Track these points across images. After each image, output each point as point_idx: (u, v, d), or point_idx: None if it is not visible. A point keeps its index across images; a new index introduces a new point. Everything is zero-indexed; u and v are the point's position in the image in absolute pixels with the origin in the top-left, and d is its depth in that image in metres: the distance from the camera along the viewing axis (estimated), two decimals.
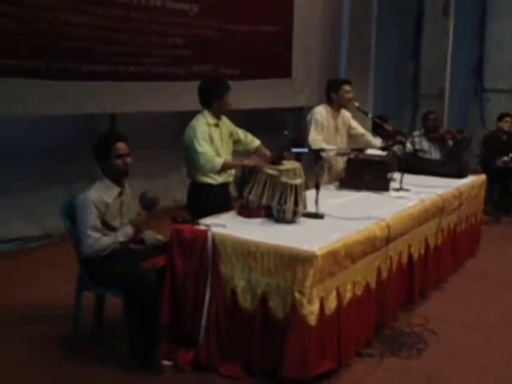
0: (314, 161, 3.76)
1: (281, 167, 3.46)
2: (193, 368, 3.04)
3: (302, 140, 5.22)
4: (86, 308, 3.33)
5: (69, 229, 3.20)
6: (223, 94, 3.78)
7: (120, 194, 3.21)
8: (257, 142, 4.02)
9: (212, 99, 3.77)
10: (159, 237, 3.34)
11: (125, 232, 3.11)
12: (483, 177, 5.32)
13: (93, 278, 3.14)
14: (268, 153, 3.84)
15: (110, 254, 3.08)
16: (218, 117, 3.82)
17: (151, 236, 3.32)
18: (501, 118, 7.11)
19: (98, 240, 3.04)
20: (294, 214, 3.28)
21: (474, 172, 5.48)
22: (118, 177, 3.18)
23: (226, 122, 3.92)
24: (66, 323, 3.34)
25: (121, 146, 3.12)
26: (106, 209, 3.10)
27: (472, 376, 3.16)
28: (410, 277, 3.86)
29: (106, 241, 3.06)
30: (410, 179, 4.46)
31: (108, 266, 3.07)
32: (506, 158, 6.80)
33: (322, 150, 3.97)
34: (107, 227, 3.12)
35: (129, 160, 3.16)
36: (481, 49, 8.42)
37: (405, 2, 8.77)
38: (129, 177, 3.27)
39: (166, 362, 3.07)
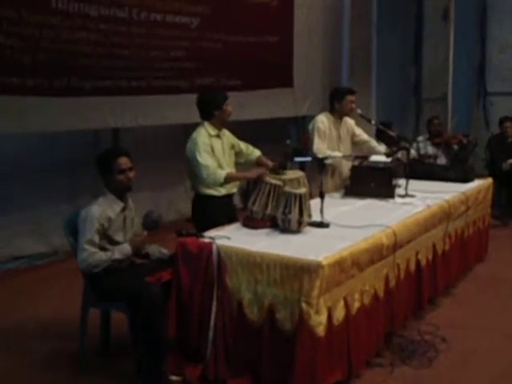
0: (318, 169, 3.74)
1: (284, 177, 3.45)
2: (201, 383, 3.00)
3: (305, 149, 5.20)
4: (92, 324, 3.31)
5: (73, 245, 3.19)
6: (222, 104, 3.79)
7: (123, 208, 3.20)
8: (257, 153, 4.02)
9: (211, 110, 3.77)
10: (164, 250, 3.32)
11: (122, 250, 3.09)
12: (490, 180, 5.27)
13: (98, 294, 3.12)
14: (269, 162, 3.83)
15: (115, 268, 3.06)
16: (218, 128, 3.81)
17: (156, 250, 3.31)
18: (503, 122, 7.07)
19: (92, 254, 3.01)
20: (299, 223, 3.25)
21: (481, 176, 5.44)
22: (121, 192, 3.17)
23: (226, 133, 3.92)
24: (73, 340, 3.32)
25: (123, 161, 3.12)
26: (110, 224, 3.09)
27: None
28: (419, 284, 3.81)
29: (101, 256, 3.03)
30: (415, 185, 4.43)
31: (113, 282, 3.05)
32: (511, 161, 6.75)
33: (326, 157, 3.94)
34: (111, 242, 3.10)
35: (132, 174, 3.15)
36: (482, 52, 8.40)
37: (404, 7, 8.77)
38: (133, 190, 3.26)
39: (174, 378, 3.03)
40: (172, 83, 5.85)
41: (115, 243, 3.12)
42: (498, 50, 8.16)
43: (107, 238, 3.10)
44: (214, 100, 3.80)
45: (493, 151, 7.05)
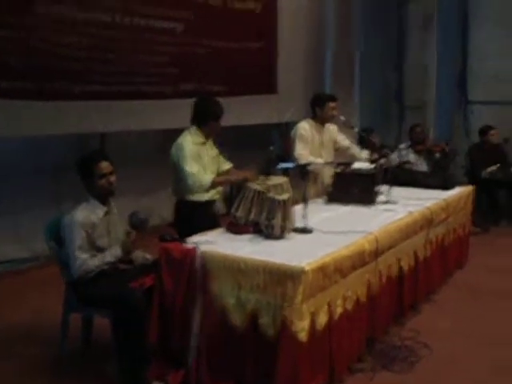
0: (301, 175, 3.76)
1: (268, 182, 3.46)
2: None
3: (288, 155, 5.23)
4: (74, 329, 3.29)
5: (54, 250, 3.17)
6: (217, 118, 3.80)
7: (106, 213, 3.19)
8: (228, 165, 4.02)
9: (208, 119, 3.77)
10: (148, 256, 3.32)
11: (113, 253, 3.09)
12: (470, 188, 5.35)
13: (80, 299, 3.11)
14: (238, 173, 3.84)
15: (98, 274, 3.05)
16: (206, 137, 3.82)
17: (140, 255, 3.30)
18: (484, 131, 7.17)
19: (86, 261, 3.01)
20: (283, 229, 3.27)
21: (461, 183, 5.51)
22: (103, 196, 3.16)
23: (211, 143, 3.92)
24: (55, 345, 3.31)
25: (103, 166, 3.11)
26: (93, 229, 3.08)
27: None
28: (400, 290, 3.85)
29: (95, 262, 3.03)
30: (397, 192, 4.47)
31: (95, 287, 3.04)
32: (491, 169, 6.86)
33: (309, 164, 3.97)
34: (95, 247, 3.09)
35: (113, 179, 3.14)
36: (464, 60, 8.51)
37: (387, 15, 8.87)
38: (117, 195, 3.25)
39: (156, 383, 3.02)
40: (157, 88, 5.85)
41: (99, 249, 3.10)
42: (479, 59, 8.28)
43: (91, 244, 3.08)
44: (214, 111, 3.81)
45: (473, 159, 7.15)
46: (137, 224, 3.12)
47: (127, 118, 5.53)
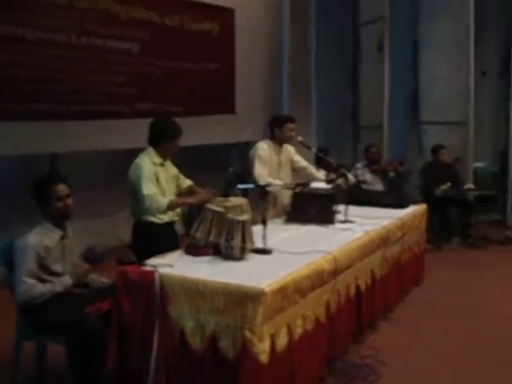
0: (261, 196, 3.77)
1: (227, 204, 3.46)
2: None
3: (247, 175, 5.25)
4: (28, 356, 3.18)
5: (6, 275, 3.07)
6: (174, 138, 3.77)
7: (62, 237, 3.11)
8: (188, 182, 4.01)
9: (164, 139, 3.75)
10: (104, 280, 3.25)
11: (63, 282, 3.01)
12: (424, 206, 5.47)
13: (34, 327, 3.00)
14: (201, 191, 3.83)
15: (52, 300, 2.96)
16: (163, 157, 3.79)
17: (96, 279, 3.23)
18: (436, 150, 7.38)
19: (32, 287, 2.92)
20: (242, 250, 3.26)
21: (416, 202, 5.64)
22: (59, 220, 3.09)
23: (169, 163, 3.90)
24: (7, 374, 3.17)
25: (60, 188, 3.05)
26: (47, 253, 2.99)
27: None
28: (359, 308, 3.89)
29: (41, 288, 2.94)
30: (354, 211, 4.53)
31: (50, 313, 2.94)
32: (444, 187, 7.05)
33: (269, 185, 3.99)
34: (48, 272, 3.00)
35: (70, 202, 3.08)
36: (415, 83, 8.77)
37: (342, 38, 9.08)
38: (72, 217, 3.18)
39: None
40: (112, 108, 5.80)
41: (54, 274, 3.02)
42: (430, 80, 8.55)
43: (45, 269, 3.00)
44: (170, 131, 3.78)
45: (426, 178, 7.34)
46: (92, 259, 3.06)
47: (81, 139, 5.44)
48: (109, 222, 6.01)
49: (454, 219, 7.32)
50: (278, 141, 4.79)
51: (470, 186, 7.53)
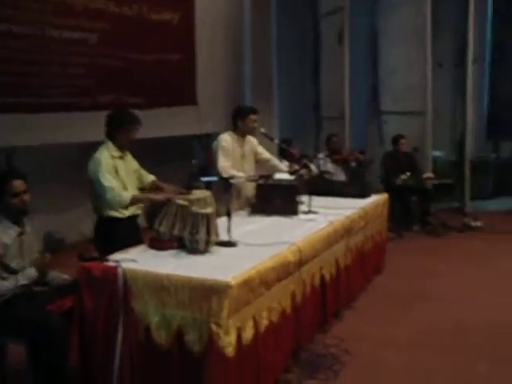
0: (224, 188, 3.75)
1: (191, 197, 3.42)
2: None
3: (210, 168, 5.21)
4: None
5: None
6: (132, 127, 3.69)
7: (20, 233, 3.02)
8: (151, 177, 3.96)
9: (119, 131, 3.67)
10: (65, 276, 3.17)
11: (27, 274, 2.92)
12: (385, 196, 5.55)
13: None
14: (165, 186, 3.78)
15: (10, 298, 2.87)
16: (121, 149, 3.72)
17: (56, 276, 3.15)
18: (396, 140, 7.49)
19: None
20: (207, 243, 3.24)
21: (378, 191, 5.71)
22: (16, 216, 3.00)
23: (130, 157, 3.83)
24: None
25: (16, 184, 2.96)
26: (5, 250, 2.90)
27: None
28: (324, 298, 3.92)
29: (6, 285, 2.85)
30: (317, 201, 4.56)
31: (9, 313, 2.86)
32: (404, 177, 7.17)
33: (232, 177, 3.97)
34: (6, 269, 2.91)
35: (27, 198, 2.99)
36: (375, 74, 8.88)
37: (303, 29, 9.10)
38: (32, 213, 3.09)
39: None
40: (72, 100, 5.67)
41: (11, 271, 2.93)
42: (389, 71, 8.66)
43: (4, 266, 2.91)
44: (126, 120, 3.70)
45: (387, 167, 7.44)
46: (52, 245, 2.98)
47: (40, 132, 5.30)
48: (70, 216, 5.88)
49: (413, 208, 7.46)
50: (241, 132, 4.76)
51: (429, 174, 7.69)
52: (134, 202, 3.61)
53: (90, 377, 2.97)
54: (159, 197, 3.55)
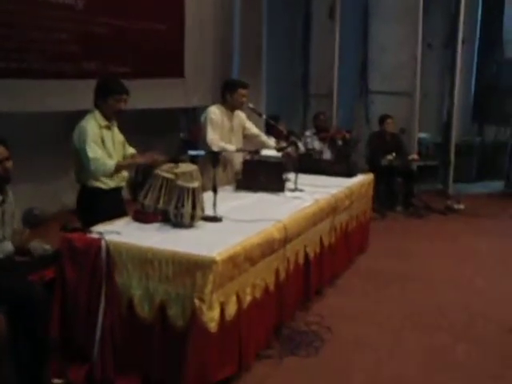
0: (211, 162, 3.70)
1: (177, 170, 3.38)
2: None
3: (196, 141, 5.15)
4: None
5: None
6: (119, 95, 3.60)
7: (2, 201, 2.95)
8: (131, 150, 3.89)
9: (107, 98, 3.58)
10: (47, 246, 3.11)
11: (4, 248, 2.87)
12: (371, 176, 5.55)
13: None
14: (146, 155, 3.73)
15: None
16: (108, 119, 3.64)
17: (38, 246, 3.08)
18: (382, 120, 7.47)
19: None
20: (192, 217, 3.20)
21: (364, 171, 5.70)
22: None
23: (116, 129, 3.76)
24: None
25: None
26: None
27: (368, 368, 3.27)
28: (307, 276, 3.93)
29: None
30: (304, 179, 4.54)
31: None
32: (389, 157, 7.16)
33: (222, 151, 3.91)
34: None
35: (9, 165, 2.91)
36: (365, 52, 8.81)
37: (293, 5, 8.97)
38: (13, 182, 3.02)
39: (56, 381, 2.87)
40: (56, 67, 5.52)
41: None
42: (379, 50, 8.59)
43: None
44: (114, 88, 3.61)
45: (373, 147, 7.43)
46: (31, 221, 2.92)
47: (22, 99, 5.16)
48: (52, 186, 5.79)
49: (397, 189, 7.48)
50: (230, 106, 4.69)
51: (414, 156, 7.71)
52: (118, 168, 3.56)
53: (72, 348, 2.95)
54: (141, 159, 3.50)
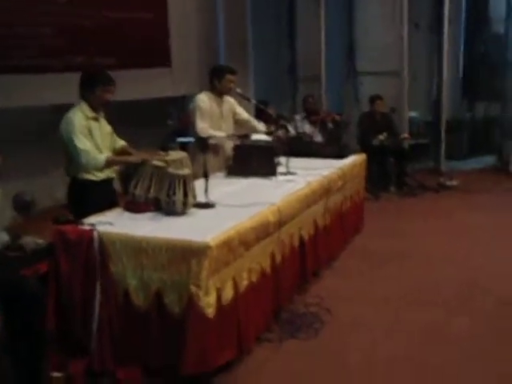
0: (201, 149, 3.68)
1: (167, 158, 3.35)
2: (86, 377, 2.86)
3: (185, 129, 5.11)
4: None
5: None
6: (106, 85, 3.55)
7: None
8: (121, 142, 3.85)
9: (93, 89, 3.54)
10: (39, 241, 3.09)
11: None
12: (363, 156, 5.53)
13: None
14: (134, 151, 3.69)
15: None
16: (95, 110, 3.60)
17: (30, 240, 3.06)
18: (372, 100, 7.44)
19: None
20: (184, 205, 3.18)
21: (356, 152, 5.68)
22: None
23: (104, 120, 3.72)
24: None
25: None
26: None
27: (366, 348, 3.27)
28: (303, 258, 3.92)
29: None
30: (295, 162, 4.51)
31: None
32: (381, 137, 7.14)
33: (208, 138, 3.88)
34: None
35: None
36: (350, 35, 8.76)
37: None
38: (4, 178, 2.99)
39: (55, 374, 2.85)
40: (42, 61, 5.48)
41: None
42: (365, 32, 8.55)
43: None
44: (99, 78, 3.57)
45: (363, 127, 7.40)
46: (22, 207, 2.89)
47: (9, 94, 5.12)
48: (43, 181, 5.72)
49: (390, 168, 7.48)
50: (218, 92, 4.65)
51: (405, 135, 7.69)
52: (108, 164, 3.52)
53: (68, 342, 2.94)
54: (134, 158, 3.47)
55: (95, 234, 2.85)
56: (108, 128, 3.76)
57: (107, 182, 3.69)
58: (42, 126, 5.52)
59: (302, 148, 5.19)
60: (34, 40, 5.43)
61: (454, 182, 7.37)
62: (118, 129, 3.91)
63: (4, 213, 3.03)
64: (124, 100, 5.97)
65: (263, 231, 3.22)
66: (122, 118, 3.97)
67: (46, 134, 4.91)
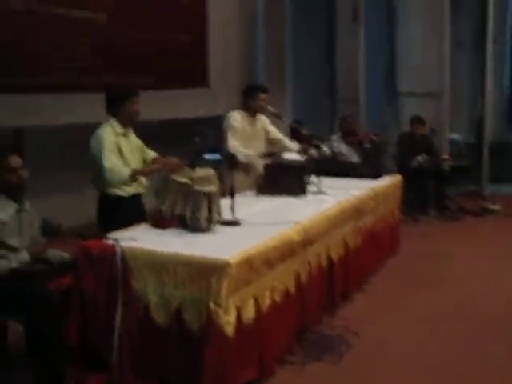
0: (229, 167, 3.68)
1: (194, 175, 3.35)
2: None
3: (220, 147, 5.13)
4: None
5: None
6: (132, 98, 3.63)
7: (19, 210, 2.98)
8: (152, 154, 3.88)
9: (120, 104, 3.61)
10: (64, 254, 3.13)
11: (19, 258, 2.88)
12: (399, 177, 5.42)
13: None
14: (161, 159, 3.71)
15: (10, 276, 2.84)
16: (125, 126, 3.66)
17: (55, 254, 3.11)
18: (413, 121, 7.30)
19: None
20: (209, 222, 3.17)
21: (391, 173, 5.57)
22: (13, 192, 2.95)
23: (133, 135, 3.77)
24: None
25: (13, 160, 2.91)
26: (2, 227, 2.86)
27: (394, 375, 3.14)
28: (331, 279, 3.83)
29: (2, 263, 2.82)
30: (327, 182, 4.46)
31: (8, 290, 2.81)
32: (419, 159, 7.00)
33: (236, 155, 3.88)
34: (4, 247, 2.87)
35: (24, 173, 2.94)
36: (391, 53, 8.68)
37: (317, 8, 8.92)
38: (37, 194, 3.05)
39: None
40: (79, 81, 5.61)
41: (10, 248, 2.89)
42: (406, 52, 8.45)
43: (1, 243, 2.87)
44: (124, 93, 3.65)
45: (402, 148, 7.26)
46: (49, 232, 2.95)
47: (45, 113, 5.26)
48: (77, 199, 5.84)
49: (429, 191, 7.29)
50: (251, 111, 4.67)
51: (445, 156, 7.51)
52: (134, 175, 3.56)
53: (89, 356, 2.94)
54: (157, 166, 3.49)
55: (118, 248, 2.87)
56: (137, 142, 3.81)
57: (136, 197, 3.72)
58: (73, 145, 5.65)
59: (336, 168, 5.15)
60: (72, 60, 5.57)
61: (497, 206, 7.13)
62: (154, 147, 3.94)
63: (33, 225, 3.08)
64: (161, 119, 6.10)
65: (287, 250, 3.17)
66: (156, 136, 4.02)
67: (77, 152, 5.04)
